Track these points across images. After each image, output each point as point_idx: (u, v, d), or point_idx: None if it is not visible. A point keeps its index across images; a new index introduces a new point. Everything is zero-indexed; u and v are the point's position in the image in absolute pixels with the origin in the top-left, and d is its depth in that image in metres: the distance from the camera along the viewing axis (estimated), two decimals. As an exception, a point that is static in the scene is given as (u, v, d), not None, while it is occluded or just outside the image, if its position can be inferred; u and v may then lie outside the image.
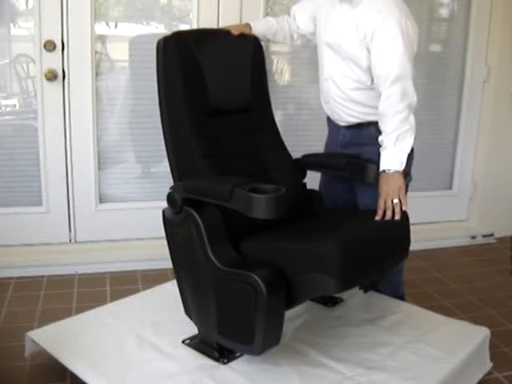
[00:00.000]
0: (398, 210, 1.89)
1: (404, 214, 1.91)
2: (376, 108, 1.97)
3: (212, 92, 1.95)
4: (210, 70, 1.95)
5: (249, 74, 2.07)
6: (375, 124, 2.00)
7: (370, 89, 2.01)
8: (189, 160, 1.88)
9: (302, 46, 2.31)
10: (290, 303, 1.69)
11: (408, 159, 1.95)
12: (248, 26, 2.13)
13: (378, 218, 1.90)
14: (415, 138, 1.96)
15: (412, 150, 1.97)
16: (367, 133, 2.07)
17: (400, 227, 1.91)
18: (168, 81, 1.90)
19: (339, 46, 2.01)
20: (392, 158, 1.92)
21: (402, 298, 2.32)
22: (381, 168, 1.94)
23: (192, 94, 1.91)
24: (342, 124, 2.16)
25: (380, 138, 1.96)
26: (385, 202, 1.90)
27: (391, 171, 1.91)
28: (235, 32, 2.06)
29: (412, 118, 1.93)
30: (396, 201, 1.89)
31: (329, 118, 2.26)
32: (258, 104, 2.12)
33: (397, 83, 1.89)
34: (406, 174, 2.01)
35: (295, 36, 2.24)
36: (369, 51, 1.93)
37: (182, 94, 1.88)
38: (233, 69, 2.04)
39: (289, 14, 2.25)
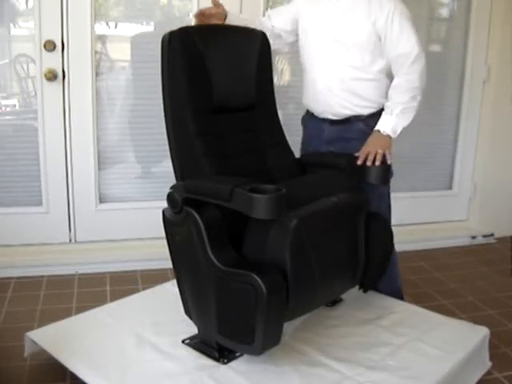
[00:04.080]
0: (379, 157, 2.01)
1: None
2: (371, 101, 2.15)
3: (216, 89, 1.93)
4: (216, 66, 1.94)
5: (254, 71, 2.06)
6: (363, 119, 2.16)
7: (369, 80, 2.13)
8: (191, 158, 1.88)
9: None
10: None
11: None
12: (224, 14, 2.11)
13: (359, 162, 2.02)
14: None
15: None
16: (356, 128, 2.16)
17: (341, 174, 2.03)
18: (172, 76, 1.88)
19: (347, 37, 2.09)
20: (390, 124, 2.08)
21: (399, 292, 2.34)
22: (377, 127, 2.09)
23: (196, 91, 1.90)
24: (330, 118, 2.20)
25: (387, 103, 2.10)
26: (369, 151, 2.02)
27: (385, 133, 2.08)
28: (208, 12, 2.05)
29: (419, 100, 2.10)
30: (380, 151, 2.02)
31: (309, 116, 2.30)
32: (263, 102, 2.11)
33: (418, 61, 2.06)
34: None
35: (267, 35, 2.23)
36: (379, 37, 2.06)
37: (185, 90, 1.87)
38: (238, 66, 2.03)
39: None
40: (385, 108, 2.12)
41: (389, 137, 2.08)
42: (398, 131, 2.10)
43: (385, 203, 2.27)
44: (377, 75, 2.13)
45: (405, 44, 2.06)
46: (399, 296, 2.32)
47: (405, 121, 2.09)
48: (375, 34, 2.06)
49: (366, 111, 2.16)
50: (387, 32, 2.05)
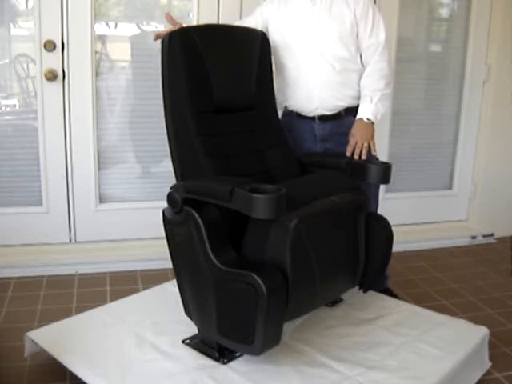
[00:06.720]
0: (365, 152, 2.11)
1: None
2: (359, 91, 2.19)
3: (217, 89, 1.93)
4: (216, 66, 1.94)
5: (255, 71, 2.06)
6: (354, 113, 2.18)
7: (356, 70, 2.19)
8: (192, 158, 1.88)
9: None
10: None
11: None
12: None
13: (348, 154, 2.11)
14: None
15: None
16: (347, 122, 2.19)
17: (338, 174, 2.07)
18: (172, 77, 1.89)
19: (334, 30, 2.14)
20: (373, 111, 2.15)
21: (385, 285, 2.42)
22: (360, 116, 2.16)
23: (196, 91, 1.90)
24: (323, 113, 2.22)
25: (364, 92, 2.17)
26: (356, 143, 2.11)
27: (370, 121, 2.14)
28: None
29: (391, 87, 2.23)
30: (366, 145, 2.11)
31: (294, 117, 2.29)
32: (263, 102, 2.11)
33: (386, 49, 2.17)
34: None
35: None
36: (357, 26, 2.14)
37: (186, 90, 1.87)
38: (239, 66, 2.04)
39: None
40: (362, 97, 2.18)
41: (372, 124, 2.15)
42: (378, 118, 2.17)
43: (375, 202, 2.29)
44: (360, 65, 2.19)
45: (376, 33, 2.15)
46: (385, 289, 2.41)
47: (383, 108, 2.18)
48: (356, 24, 2.14)
49: (356, 102, 2.21)
50: (363, 22, 2.14)
